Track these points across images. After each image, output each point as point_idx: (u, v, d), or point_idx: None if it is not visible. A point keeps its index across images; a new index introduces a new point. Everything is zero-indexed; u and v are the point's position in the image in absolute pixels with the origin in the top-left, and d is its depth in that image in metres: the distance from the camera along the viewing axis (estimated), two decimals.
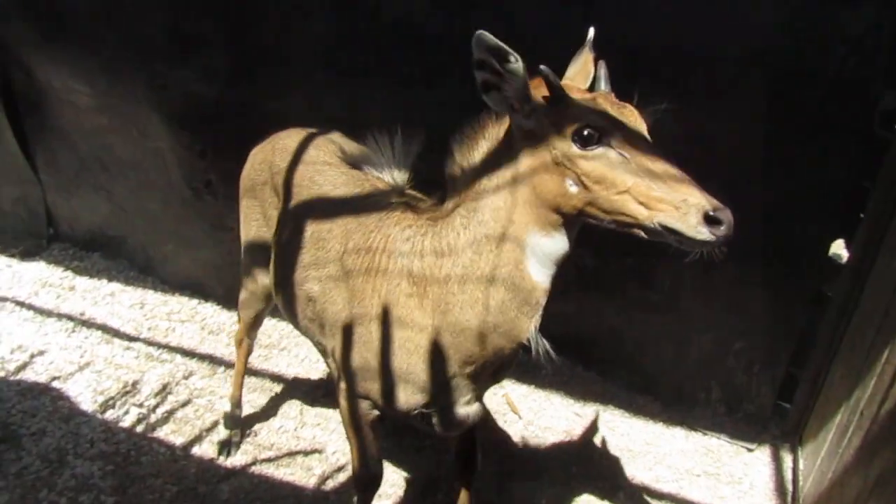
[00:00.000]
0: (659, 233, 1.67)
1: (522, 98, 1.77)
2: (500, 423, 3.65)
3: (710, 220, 1.60)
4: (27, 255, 4.85)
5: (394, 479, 3.23)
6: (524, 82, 1.74)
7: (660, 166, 1.67)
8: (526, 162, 1.83)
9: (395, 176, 2.44)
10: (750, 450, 3.57)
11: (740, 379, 3.60)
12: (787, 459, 3.52)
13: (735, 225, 1.61)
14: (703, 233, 1.61)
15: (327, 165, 2.65)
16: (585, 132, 1.70)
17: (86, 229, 4.85)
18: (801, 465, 3.39)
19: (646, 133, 1.78)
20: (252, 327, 3.31)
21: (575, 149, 1.72)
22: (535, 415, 3.71)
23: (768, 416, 3.65)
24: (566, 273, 3.81)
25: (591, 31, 1.98)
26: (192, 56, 3.78)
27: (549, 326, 3.98)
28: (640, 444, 3.56)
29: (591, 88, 1.95)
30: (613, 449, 3.51)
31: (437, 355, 2.12)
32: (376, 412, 2.40)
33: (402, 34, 3.37)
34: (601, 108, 1.75)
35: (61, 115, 4.39)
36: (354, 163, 2.61)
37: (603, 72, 1.88)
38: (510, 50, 1.68)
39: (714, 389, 3.69)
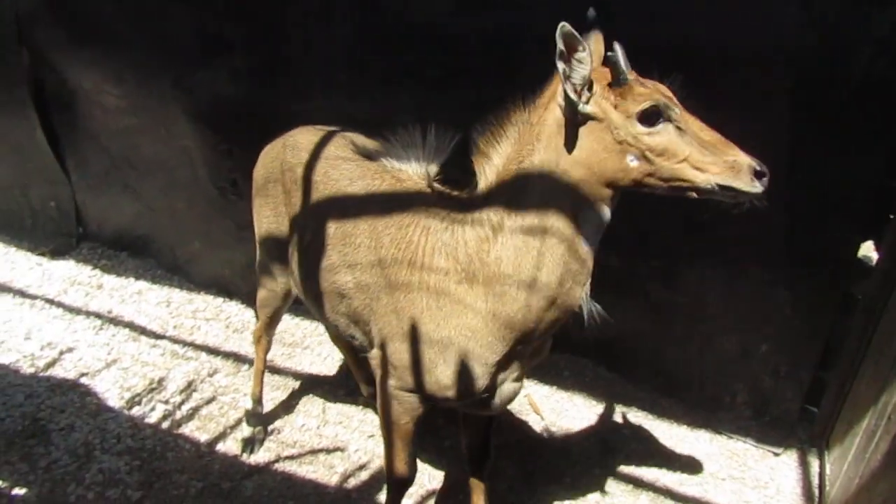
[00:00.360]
0: (713, 192, 1.91)
1: (586, 84, 1.90)
2: (522, 423, 3.64)
3: (757, 175, 1.86)
4: (57, 253, 4.95)
5: (417, 478, 3.23)
6: (590, 70, 1.87)
7: (708, 135, 1.91)
8: (582, 144, 1.96)
9: (423, 168, 2.46)
10: (776, 454, 3.52)
11: (766, 382, 3.56)
12: (814, 464, 3.47)
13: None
14: (756, 186, 1.87)
15: (340, 159, 2.67)
16: (650, 112, 1.88)
17: (114, 228, 4.93)
18: (827, 470, 3.34)
19: None
20: (270, 325, 3.33)
21: (640, 127, 1.89)
22: (557, 416, 3.69)
23: (795, 420, 3.59)
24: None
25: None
26: (218, 57, 3.83)
27: (571, 328, 3.98)
28: (664, 446, 3.53)
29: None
30: (637, 451, 3.49)
31: (494, 338, 2.17)
32: (422, 409, 2.42)
33: (425, 36, 3.38)
34: (657, 88, 1.93)
35: (90, 115, 4.47)
36: (369, 155, 2.63)
37: (621, 52, 1.92)
38: (582, 40, 1.82)
39: (739, 392, 3.64)
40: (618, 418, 3.69)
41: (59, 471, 3.22)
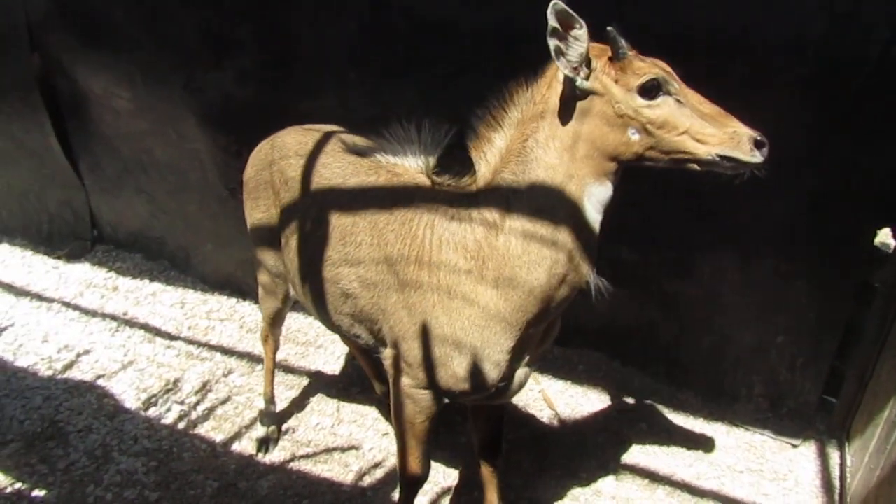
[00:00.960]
0: (714, 163, 1.93)
1: (584, 61, 1.93)
2: (537, 418, 3.63)
3: (757, 145, 1.89)
4: (73, 256, 5.00)
5: (431, 476, 3.22)
6: (587, 47, 1.90)
7: (708, 107, 1.94)
8: (584, 119, 1.99)
9: (421, 161, 2.45)
10: (795, 446, 3.48)
11: (783, 374, 3.52)
12: (834, 456, 3.43)
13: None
14: (757, 155, 1.89)
15: (332, 158, 2.66)
16: (650, 85, 1.91)
17: (128, 231, 4.97)
18: (848, 462, 3.30)
19: None
20: (274, 324, 3.33)
21: (640, 100, 1.92)
22: (571, 410, 3.68)
23: (813, 412, 3.55)
24: (603, 267, 3.79)
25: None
26: (226, 58, 3.84)
27: (587, 321, 3.96)
28: (681, 439, 3.50)
29: None
30: (653, 445, 3.46)
31: (508, 323, 2.17)
32: (436, 407, 2.42)
33: (434, 32, 3.36)
34: (656, 63, 1.96)
35: (102, 119, 4.50)
36: (361, 152, 2.61)
37: (616, 34, 1.93)
38: (577, 17, 1.85)
39: (756, 384, 3.60)
40: (633, 412, 3.67)
41: (78, 472, 3.26)
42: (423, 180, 2.40)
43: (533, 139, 2.06)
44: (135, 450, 3.38)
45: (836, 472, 3.33)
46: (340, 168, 2.60)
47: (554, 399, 3.73)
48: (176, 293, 4.64)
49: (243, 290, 4.54)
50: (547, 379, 3.86)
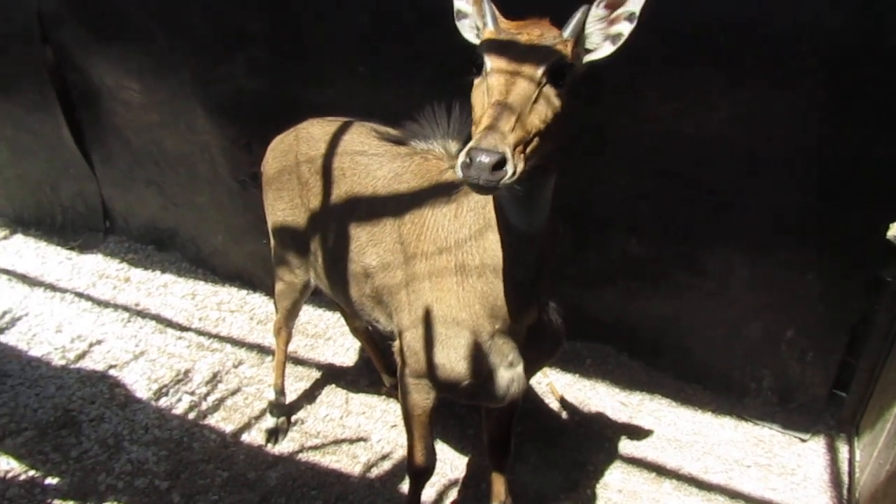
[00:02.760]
0: None
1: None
2: (545, 411, 3.63)
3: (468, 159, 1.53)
4: (85, 247, 5.05)
5: (439, 468, 3.24)
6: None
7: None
8: None
9: (449, 146, 2.48)
10: (803, 440, 3.47)
11: (793, 368, 3.50)
12: (843, 450, 3.41)
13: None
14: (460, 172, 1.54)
15: (367, 145, 2.70)
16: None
17: (139, 223, 5.01)
18: (857, 457, 3.28)
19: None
20: (289, 316, 3.36)
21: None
22: (579, 403, 3.68)
23: (823, 406, 3.53)
24: (611, 260, 3.75)
25: None
26: (236, 51, 3.84)
27: (595, 314, 3.95)
28: (688, 433, 3.50)
29: None
30: (660, 439, 3.46)
31: (482, 318, 2.17)
32: (433, 397, 2.44)
33: (443, 23, 3.34)
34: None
35: (114, 112, 4.53)
36: (397, 140, 2.64)
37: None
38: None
39: (765, 378, 3.59)
40: (641, 405, 3.67)
41: (90, 461, 3.30)
42: (447, 166, 2.41)
43: None
44: (145, 439, 3.42)
45: (844, 467, 3.31)
46: (377, 156, 2.63)
47: (562, 392, 3.73)
48: (187, 284, 4.67)
49: (253, 281, 4.57)
50: (555, 372, 3.86)
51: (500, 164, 1.48)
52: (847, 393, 3.50)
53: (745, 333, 3.55)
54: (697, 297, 3.56)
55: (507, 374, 2.29)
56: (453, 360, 2.23)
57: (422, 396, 2.44)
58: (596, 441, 3.44)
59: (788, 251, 3.29)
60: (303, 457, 3.35)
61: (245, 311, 4.42)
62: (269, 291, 4.44)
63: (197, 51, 3.92)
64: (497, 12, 1.83)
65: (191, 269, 4.81)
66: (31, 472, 3.22)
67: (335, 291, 2.87)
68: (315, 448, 3.40)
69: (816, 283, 3.29)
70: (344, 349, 4.09)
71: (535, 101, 1.63)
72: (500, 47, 1.70)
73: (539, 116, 1.63)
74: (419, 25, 3.41)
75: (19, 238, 5.24)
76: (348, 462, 3.32)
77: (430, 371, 2.31)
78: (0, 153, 5.17)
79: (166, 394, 3.72)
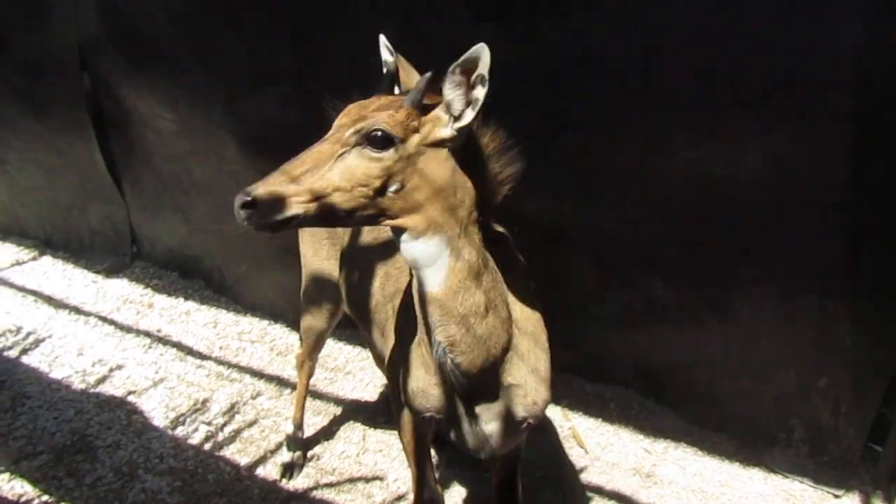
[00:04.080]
0: None
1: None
2: (565, 456, 3.54)
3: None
4: (111, 272, 5.09)
5: None
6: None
7: None
8: None
9: None
10: (837, 496, 3.33)
11: (825, 418, 3.37)
12: None
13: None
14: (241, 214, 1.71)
15: None
16: None
17: (165, 249, 5.04)
18: None
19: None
20: (314, 350, 3.34)
21: None
22: (602, 450, 3.58)
23: (857, 461, 3.39)
24: (637, 302, 3.69)
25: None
26: (268, 83, 3.89)
27: (620, 357, 3.86)
28: (715, 484, 3.38)
29: None
30: (685, 489, 3.34)
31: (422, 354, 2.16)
32: (415, 429, 2.48)
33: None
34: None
35: (145, 139, 4.59)
36: None
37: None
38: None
39: (796, 429, 3.46)
40: (665, 453, 3.55)
41: (104, 488, 3.27)
42: None
43: None
44: (160, 468, 3.38)
45: None
46: None
47: (584, 437, 3.64)
48: (209, 313, 4.68)
49: (275, 312, 4.55)
50: (578, 416, 3.77)
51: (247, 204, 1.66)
52: (883, 447, 3.37)
53: (775, 381, 3.43)
54: (725, 342, 3.47)
55: (475, 430, 2.16)
56: (414, 388, 2.21)
57: (406, 422, 2.49)
58: (618, 489, 3.33)
59: (821, 296, 3.19)
60: (317, 494, 3.29)
61: (265, 342, 4.40)
62: (290, 323, 4.44)
63: (229, 83, 3.98)
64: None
65: (214, 297, 4.82)
66: (45, 497, 3.20)
67: (361, 325, 2.88)
68: (330, 485, 3.33)
69: (851, 329, 3.18)
70: (363, 384, 4.04)
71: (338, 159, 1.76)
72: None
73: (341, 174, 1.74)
74: (444, 61, 3.42)
75: (47, 260, 5.31)
76: (363, 501, 3.25)
77: (405, 396, 2.30)
78: (33, 176, 5.25)
79: (183, 423, 3.70)
